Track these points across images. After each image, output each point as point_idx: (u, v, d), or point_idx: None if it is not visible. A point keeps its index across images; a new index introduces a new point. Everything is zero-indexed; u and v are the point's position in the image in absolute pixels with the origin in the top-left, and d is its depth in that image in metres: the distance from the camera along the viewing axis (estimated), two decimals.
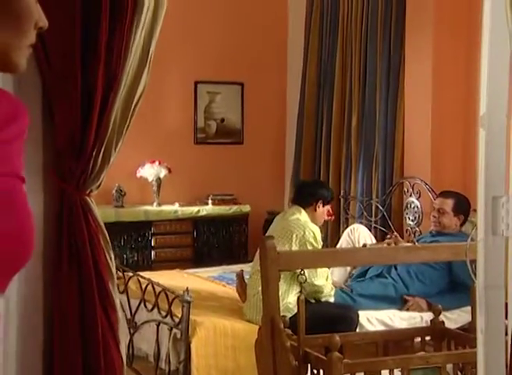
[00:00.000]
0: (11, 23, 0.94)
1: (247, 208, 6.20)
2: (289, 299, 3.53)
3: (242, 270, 4.03)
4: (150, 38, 1.68)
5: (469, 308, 3.06)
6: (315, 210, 3.87)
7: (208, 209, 6.06)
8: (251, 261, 4.99)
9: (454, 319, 3.72)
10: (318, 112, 5.97)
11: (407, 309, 3.89)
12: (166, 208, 5.93)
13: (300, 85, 6.11)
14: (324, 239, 5.42)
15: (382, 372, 2.56)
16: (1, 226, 0.94)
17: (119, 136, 1.69)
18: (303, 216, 3.81)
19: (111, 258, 1.74)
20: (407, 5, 5.11)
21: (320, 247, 3.76)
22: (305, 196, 3.90)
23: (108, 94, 1.62)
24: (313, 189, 3.95)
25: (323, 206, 3.91)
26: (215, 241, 6.13)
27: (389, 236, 4.53)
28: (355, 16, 5.54)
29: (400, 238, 4.49)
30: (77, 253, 1.56)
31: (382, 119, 5.25)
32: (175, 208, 5.96)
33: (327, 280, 3.72)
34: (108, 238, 1.76)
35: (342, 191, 5.60)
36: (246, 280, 3.86)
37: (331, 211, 4.09)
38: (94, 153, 1.66)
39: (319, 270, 3.63)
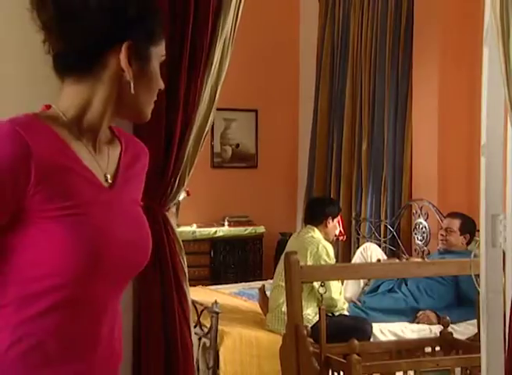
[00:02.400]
0: (147, 84, 1.27)
1: (261, 229, 6.45)
2: (307, 311, 3.80)
3: (264, 285, 4.32)
4: (216, 85, 2.08)
5: (475, 321, 3.30)
6: (326, 226, 4.20)
7: (224, 230, 6.30)
8: (266, 279, 5.27)
9: (461, 331, 3.96)
10: (329, 138, 6.24)
11: (418, 322, 4.16)
12: (185, 229, 6.16)
13: (313, 112, 6.41)
14: (336, 258, 5.70)
15: (397, 374, 2.84)
16: (134, 238, 1.27)
17: (191, 164, 2.10)
18: (316, 233, 4.12)
19: (184, 261, 2.11)
20: (414, 38, 5.41)
21: (333, 262, 4.06)
22: (315, 216, 4.23)
23: (184, 133, 2.03)
24: (321, 208, 4.27)
25: (333, 221, 4.24)
26: (231, 261, 6.36)
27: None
28: (364, 47, 5.83)
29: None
30: (159, 258, 1.90)
31: (391, 145, 5.53)
32: (193, 230, 6.21)
33: (340, 295, 4.02)
34: (181, 245, 2.14)
35: (353, 213, 5.88)
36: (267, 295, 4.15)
37: (341, 224, 4.40)
38: (172, 179, 2.07)
39: (333, 286, 3.93)
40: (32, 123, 1.18)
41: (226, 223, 6.40)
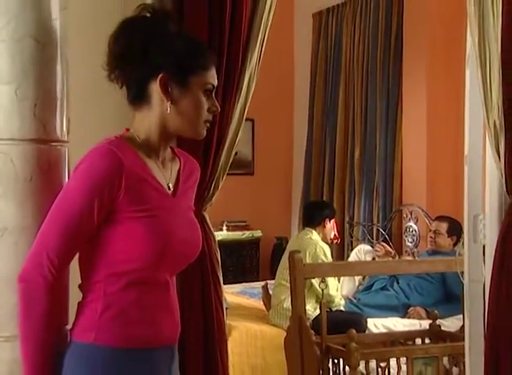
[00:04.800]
0: (189, 108, 1.56)
1: (258, 233, 6.72)
2: (307, 307, 4.09)
3: (266, 283, 4.63)
4: (244, 105, 2.49)
5: (461, 316, 3.61)
6: (325, 227, 4.52)
7: (222, 235, 6.52)
8: (262, 281, 5.57)
9: (448, 325, 4.24)
10: (323, 146, 6.51)
11: (409, 317, 4.47)
12: None
13: (307, 122, 6.70)
14: None
15: (390, 361, 3.15)
16: (189, 237, 1.60)
17: (224, 171, 2.51)
18: (314, 235, 4.44)
19: (217, 252, 2.51)
20: (403, 51, 5.69)
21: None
22: (314, 218, 4.55)
23: (218, 146, 2.44)
24: (319, 210, 4.59)
25: (330, 222, 4.56)
26: (229, 264, 6.62)
27: (377, 249, 5.10)
28: (356, 59, 6.11)
29: (388, 247, 5.06)
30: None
31: (382, 152, 5.81)
32: None
33: (337, 292, 4.33)
34: (216, 240, 2.52)
35: (347, 217, 6.17)
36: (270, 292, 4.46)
37: (336, 228, 4.72)
38: (209, 184, 2.45)
39: (331, 284, 4.23)
40: (121, 144, 1.52)
41: (225, 227, 6.65)
